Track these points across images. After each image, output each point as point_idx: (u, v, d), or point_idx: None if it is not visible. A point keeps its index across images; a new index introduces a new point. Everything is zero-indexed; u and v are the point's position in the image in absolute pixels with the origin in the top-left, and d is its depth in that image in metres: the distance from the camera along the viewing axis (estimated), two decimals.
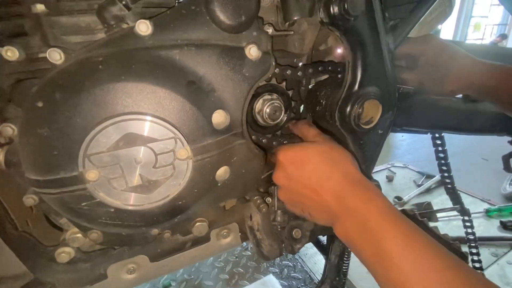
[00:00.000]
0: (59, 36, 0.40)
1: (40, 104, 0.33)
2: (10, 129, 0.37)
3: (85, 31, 0.42)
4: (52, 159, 0.34)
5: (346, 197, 0.41)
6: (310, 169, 0.45)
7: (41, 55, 0.41)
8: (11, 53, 0.38)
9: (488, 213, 1.77)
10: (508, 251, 1.48)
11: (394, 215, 0.37)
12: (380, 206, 0.38)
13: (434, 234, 0.49)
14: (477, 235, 1.58)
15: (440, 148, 0.79)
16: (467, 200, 1.96)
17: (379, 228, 0.36)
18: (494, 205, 1.84)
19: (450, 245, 0.48)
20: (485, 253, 1.47)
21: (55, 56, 0.35)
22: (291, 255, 1.46)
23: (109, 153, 0.35)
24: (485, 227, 1.68)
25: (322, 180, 0.43)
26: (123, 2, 0.39)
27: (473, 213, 1.79)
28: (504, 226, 1.65)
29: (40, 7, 0.39)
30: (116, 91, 0.34)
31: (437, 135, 0.76)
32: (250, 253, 1.46)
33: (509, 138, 0.86)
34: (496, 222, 1.71)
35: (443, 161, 0.79)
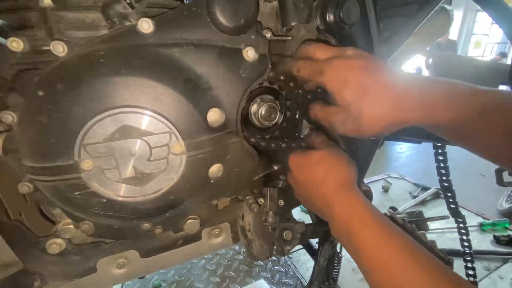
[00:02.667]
0: (63, 31, 0.42)
1: (41, 93, 0.34)
2: (10, 117, 0.38)
3: (89, 27, 0.43)
4: (49, 147, 0.35)
5: (333, 203, 0.44)
6: (308, 174, 0.49)
7: (44, 47, 0.43)
8: (16, 44, 0.39)
9: (482, 227, 1.77)
10: (501, 266, 1.48)
11: (372, 220, 0.40)
12: (360, 212, 0.42)
13: (420, 240, 0.50)
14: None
15: (442, 164, 0.80)
16: None
17: (357, 232, 0.39)
18: (488, 219, 1.85)
19: (433, 250, 0.49)
20: (478, 267, 1.45)
21: (59, 49, 0.37)
22: (283, 261, 1.45)
23: (104, 144, 0.36)
24: (478, 241, 1.68)
25: (315, 186, 0.48)
26: (127, 1, 0.40)
27: (468, 227, 1.80)
28: (497, 240, 1.65)
29: (47, 2, 0.40)
30: (116, 84, 0.35)
31: (440, 150, 0.77)
32: (242, 257, 1.45)
33: None
34: (489, 236, 1.71)
35: (444, 177, 0.80)
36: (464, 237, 0.79)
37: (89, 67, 0.35)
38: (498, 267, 1.47)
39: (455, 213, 0.80)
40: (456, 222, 0.81)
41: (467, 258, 0.79)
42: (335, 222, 0.44)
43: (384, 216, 0.41)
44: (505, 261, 1.50)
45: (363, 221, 0.40)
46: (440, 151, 0.80)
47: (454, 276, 0.32)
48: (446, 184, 0.75)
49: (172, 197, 0.44)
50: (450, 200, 0.78)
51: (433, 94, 0.39)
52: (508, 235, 1.67)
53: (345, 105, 0.42)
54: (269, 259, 1.48)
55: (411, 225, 0.56)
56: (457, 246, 1.06)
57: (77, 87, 0.34)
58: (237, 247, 1.51)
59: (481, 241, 1.68)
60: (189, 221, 0.56)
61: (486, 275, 1.41)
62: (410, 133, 0.76)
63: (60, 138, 0.35)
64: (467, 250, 0.80)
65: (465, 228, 0.78)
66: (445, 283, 0.31)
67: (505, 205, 2.33)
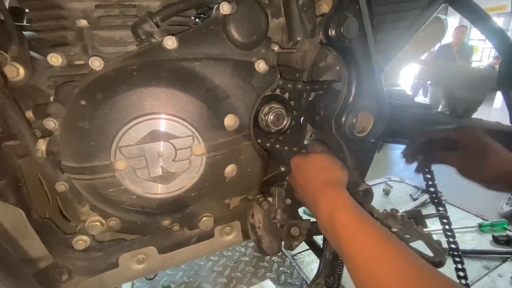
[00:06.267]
0: (97, 47, 0.47)
1: (83, 102, 0.39)
2: (52, 123, 0.43)
3: (119, 43, 0.49)
4: (89, 149, 0.40)
5: (319, 196, 0.51)
6: (304, 172, 0.57)
7: (78, 62, 0.48)
8: (55, 59, 0.45)
9: (481, 228, 1.81)
10: (500, 264, 1.51)
11: (353, 208, 0.46)
12: (343, 202, 0.48)
13: (396, 233, 0.58)
14: (470, 248, 1.63)
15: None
16: (461, 215, 2.00)
17: (339, 217, 0.45)
18: (487, 220, 1.88)
19: (429, 241, 0.55)
20: (477, 266, 1.50)
21: (96, 63, 0.42)
22: (288, 262, 1.49)
23: (137, 146, 0.41)
24: (478, 241, 1.71)
25: (308, 181, 0.55)
26: (154, 21, 0.46)
27: (466, 227, 1.84)
28: (496, 240, 1.69)
29: (83, 22, 0.46)
30: (147, 94, 0.41)
31: None
32: (248, 259, 1.49)
33: None
34: (488, 237, 1.75)
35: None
36: (447, 227, 0.84)
37: (125, 79, 0.40)
38: (497, 266, 1.50)
39: (437, 202, 0.85)
40: (437, 210, 0.86)
41: (451, 240, 0.84)
42: (321, 213, 0.49)
43: (364, 210, 0.47)
44: (504, 260, 1.54)
45: (344, 209, 0.46)
46: None
47: (419, 259, 0.37)
48: (428, 176, 0.81)
49: (192, 194, 0.49)
50: (432, 189, 0.83)
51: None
52: (507, 235, 1.71)
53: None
54: (275, 260, 1.52)
55: (410, 220, 0.61)
56: (459, 244, 1.10)
57: (115, 96, 0.40)
58: (242, 249, 1.54)
59: (481, 241, 1.71)
60: (204, 218, 0.60)
61: (486, 274, 1.44)
62: (408, 135, 0.81)
63: (99, 141, 0.40)
64: (451, 239, 0.85)
65: (447, 217, 0.83)
66: (406, 257, 0.37)
67: (506, 208, 2.36)
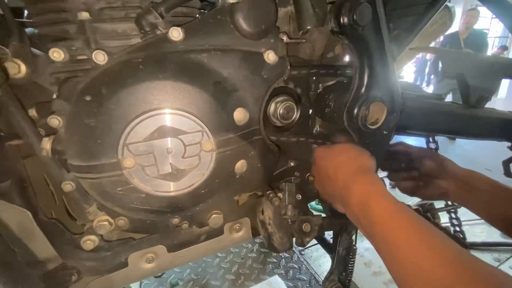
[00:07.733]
0: (99, 41, 0.46)
1: (88, 98, 0.38)
2: (56, 121, 0.41)
3: (122, 36, 0.47)
4: (95, 147, 0.39)
5: (352, 184, 0.48)
6: (332, 162, 0.55)
7: (80, 57, 0.47)
8: (57, 54, 0.43)
9: None
10: (511, 257, 1.49)
11: (388, 195, 0.44)
12: (378, 188, 0.46)
13: (435, 224, 0.55)
14: (480, 241, 1.61)
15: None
16: None
17: (375, 203, 0.43)
18: None
19: (449, 234, 0.53)
20: (488, 258, 1.48)
21: (100, 57, 0.40)
22: (296, 258, 1.48)
23: (145, 143, 0.40)
24: (488, 233, 1.69)
25: (337, 170, 0.52)
26: (158, 11, 0.44)
27: (475, 220, 1.82)
28: None
29: (85, 15, 0.44)
30: (154, 88, 0.39)
31: (431, 139, 0.81)
32: (255, 255, 1.48)
33: (508, 144, 0.90)
34: None
35: None
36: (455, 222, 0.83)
37: (130, 73, 0.39)
38: (508, 258, 1.49)
39: None
40: (446, 204, 0.85)
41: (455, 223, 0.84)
42: (353, 200, 0.47)
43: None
44: None
45: (380, 194, 0.44)
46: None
47: (457, 246, 0.35)
48: None
49: (202, 191, 0.47)
50: None
51: None
52: None
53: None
54: (282, 256, 1.51)
55: (425, 214, 0.59)
56: (469, 237, 1.08)
57: (121, 91, 0.38)
58: (250, 245, 1.53)
59: (490, 233, 1.69)
60: (214, 215, 0.59)
61: (497, 266, 1.42)
62: (418, 127, 0.79)
63: (106, 138, 0.38)
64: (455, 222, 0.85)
65: (456, 210, 0.82)
66: (449, 242, 0.35)
67: None
